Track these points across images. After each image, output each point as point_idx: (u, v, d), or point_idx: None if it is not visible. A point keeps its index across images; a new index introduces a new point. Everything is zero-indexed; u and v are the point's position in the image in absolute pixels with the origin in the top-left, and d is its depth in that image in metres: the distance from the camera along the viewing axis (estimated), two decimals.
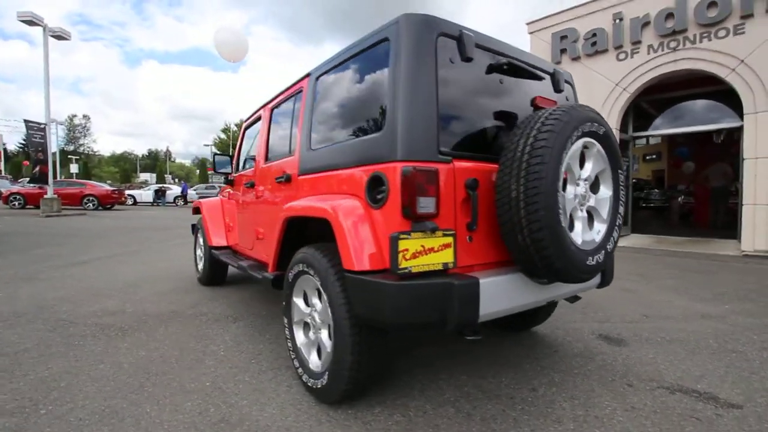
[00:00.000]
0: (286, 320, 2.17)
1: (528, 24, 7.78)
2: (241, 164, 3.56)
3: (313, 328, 1.99)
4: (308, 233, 2.17)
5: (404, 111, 1.53)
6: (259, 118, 3.11)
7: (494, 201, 1.65)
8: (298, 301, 2.09)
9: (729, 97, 6.45)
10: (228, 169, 3.49)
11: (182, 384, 2.09)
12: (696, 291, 4.06)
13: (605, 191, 1.82)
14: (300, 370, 2.01)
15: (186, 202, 24.34)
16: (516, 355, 2.46)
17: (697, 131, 7.36)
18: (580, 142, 1.61)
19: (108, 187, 18.67)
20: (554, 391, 2.02)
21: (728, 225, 8.13)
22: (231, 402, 1.91)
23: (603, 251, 1.73)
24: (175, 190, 25.70)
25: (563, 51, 7.19)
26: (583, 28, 6.95)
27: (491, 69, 1.82)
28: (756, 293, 3.95)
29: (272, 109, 2.83)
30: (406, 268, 1.42)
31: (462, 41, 1.67)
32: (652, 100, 7.53)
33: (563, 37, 7.14)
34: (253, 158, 3.34)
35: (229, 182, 3.57)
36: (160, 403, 1.90)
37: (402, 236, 1.42)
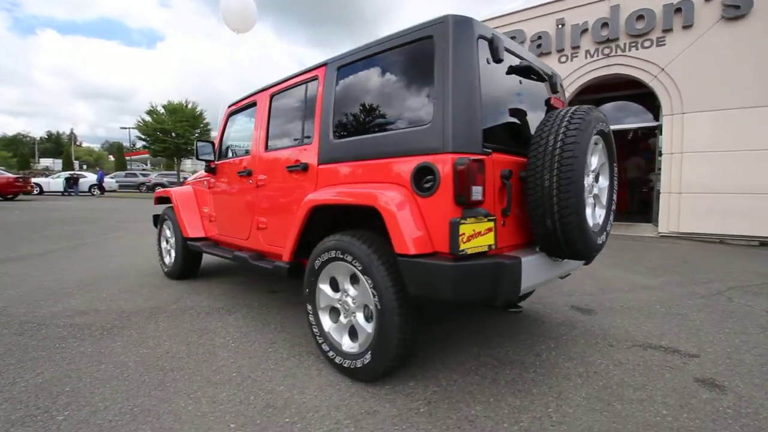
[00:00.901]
0: (310, 307, 2.20)
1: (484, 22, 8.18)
2: (223, 151, 3.40)
3: (344, 312, 2.05)
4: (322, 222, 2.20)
5: (455, 106, 1.65)
6: (252, 104, 3.00)
7: (521, 190, 1.86)
8: (325, 288, 2.14)
9: (648, 100, 7.47)
10: (210, 157, 3.31)
11: (206, 377, 2.03)
12: (632, 267, 4.74)
13: (604, 181, 2.11)
14: (331, 353, 2.07)
15: (103, 191, 21.91)
16: (509, 328, 2.74)
17: (621, 129, 8.40)
18: (593, 139, 1.87)
19: (10, 175, 16.15)
20: (554, 355, 2.32)
21: (643, 210, 9.43)
22: (268, 389, 1.92)
23: (605, 232, 2.02)
24: (90, 177, 22.96)
25: None
26: (530, 31, 7.53)
27: (513, 70, 2.00)
28: (679, 267, 4.73)
29: (272, 96, 2.75)
30: (463, 250, 1.57)
31: (494, 43, 1.82)
32: (586, 100, 8.42)
33: (512, 38, 7.64)
34: (245, 146, 3.23)
35: (210, 170, 3.39)
36: (193, 396, 1.85)
37: (462, 221, 1.56)
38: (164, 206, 4.39)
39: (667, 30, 6.31)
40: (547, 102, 2.06)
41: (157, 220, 4.38)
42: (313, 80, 2.39)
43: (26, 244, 6.05)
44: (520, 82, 2.05)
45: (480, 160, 1.64)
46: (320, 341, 2.14)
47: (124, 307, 3.10)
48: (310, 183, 2.30)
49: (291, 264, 2.38)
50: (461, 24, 1.73)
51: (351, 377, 2.00)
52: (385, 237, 1.81)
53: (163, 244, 4.20)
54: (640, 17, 6.37)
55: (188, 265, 3.90)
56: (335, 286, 2.12)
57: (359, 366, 1.91)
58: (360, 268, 1.86)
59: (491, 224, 1.68)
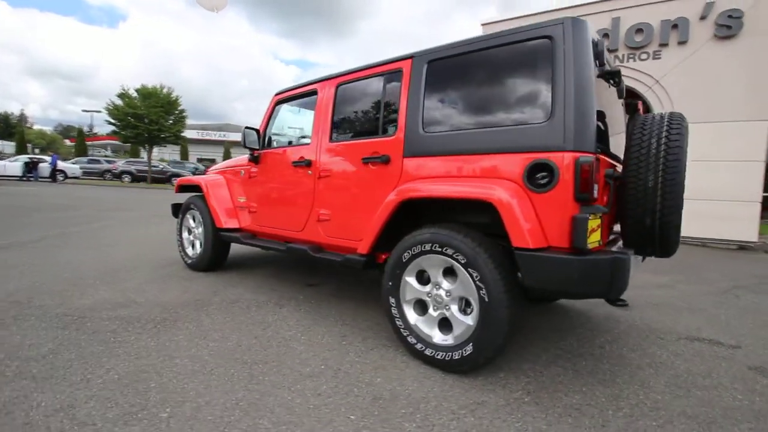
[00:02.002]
0: (393, 300, 2.19)
1: (483, 25, 8.37)
2: (268, 140, 3.29)
3: (434, 305, 2.07)
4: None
5: (576, 105, 1.71)
6: (310, 93, 2.93)
7: (616, 189, 1.95)
8: (411, 280, 2.14)
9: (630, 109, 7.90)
10: (256, 145, 3.19)
11: (296, 370, 1.99)
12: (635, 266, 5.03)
13: None
14: (419, 345, 2.08)
15: (66, 176, 20.46)
16: (561, 324, 2.85)
17: None
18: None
19: None
20: (617, 347, 2.45)
21: None
22: (366, 381, 1.91)
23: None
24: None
25: None
26: None
27: (606, 74, 2.08)
28: (678, 267, 5.07)
29: (338, 86, 2.70)
30: (587, 245, 1.63)
31: (598, 47, 1.89)
32: None
33: None
34: (300, 135, 3.16)
35: (254, 159, 3.28)
36: (294, 389, 1.81)
37: (590, 217, 1.62)
38: (185, 195, 4.21)
39: (664, 44, 6.72)
40: (635, 107, 2.16)
41: (178, 210, 4.19)
42: (395, 72, 2.37)
43: (14, 231, 5.59)
44: (609, 86, 2.14)
45: (598, 158, 1.71)
46: (405, 334, 2.15)
47: (164, 300, 2.95)
48: (392, 175, 2.29)
49: (367, 257, 2.36)
50: (580, 26, 1.79)
51: (443, 369, 2.02)
52: (478, 230, 1.85)
53: (185, 235, 4.02)
54: (639, 30, 6.75)
55: (218, 256, 3.76)
56: (422, 279, 2.14)
57: (456, 358, 1.93)
58: (464, 261, 1.88)
59: (599, 221, 1.75)
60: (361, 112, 2.61)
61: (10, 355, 2.03)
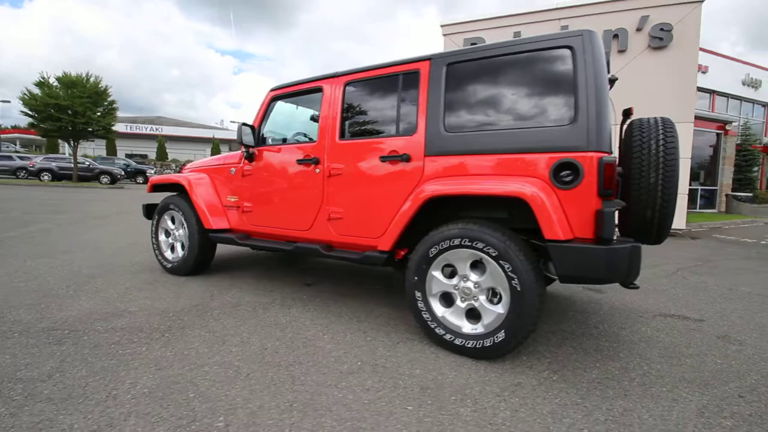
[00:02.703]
0: (419, 294, 2.27)
1: (442, 26, 8.62)
2: (262, 137, 3.18)
3: (462, 297, 2.17)
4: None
5: (598, 109, 1.89)
6: (313, 90, 2.88)
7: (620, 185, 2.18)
8: (437, 274, 2.23)
9: None
10: (252, 142, 3.06)
11: (334, 368, 1.99)
12: None
13: None
14: (448, 336, 2.17)
15: None
16: (554, 307, 3.10)
17: None
18: None
19: None
20: (607, 326, 2.72)
21: None
22: (406, 373, 1.96)
23: None
24: None
25: None
26: (490, 39, 8.14)
27: (609, 80, 2.31)
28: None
29: (347, 84, 2.69)
30: (613, 236, 1.82)
31: (607, 57, 2.10)
32: None
33: (473, 44, 8.22)
34: (302, 133, 3.10)
35: (249, 156, 3.14)
36: (342, 387, 1.82)
37: (615, 211, 1.81)
38: (159, 195, 3.93)
39: (607, 52, 7.39)
40: (629, 111, 2.41)
41: (151, 211, 3.89)
42: (412, 73, 2.42)
43: None
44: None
45: (615, 157, 1.91)
46: (432, 326, 2.23)
47: (159, 307, 2.76)
48: (413, 174, 2.35)
49: (389, 253, 2.41)
50: (596, 38, 1.98)
51: (473, 356, 2.13)
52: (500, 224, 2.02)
53: (162, 237, 3.76)
54: None
55: (204, 259, 3.57)
56: (448, 272, 2.23)
57: (488, 345, 2.06)
58: (495, 254, 2.00)
59: (614, 214, 1.96)
60: (374, 111, 2.63)
61: (8, 377, 1.81)
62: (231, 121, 38.97)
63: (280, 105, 3.18)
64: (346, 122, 2.70)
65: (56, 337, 2.23)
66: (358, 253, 2.58)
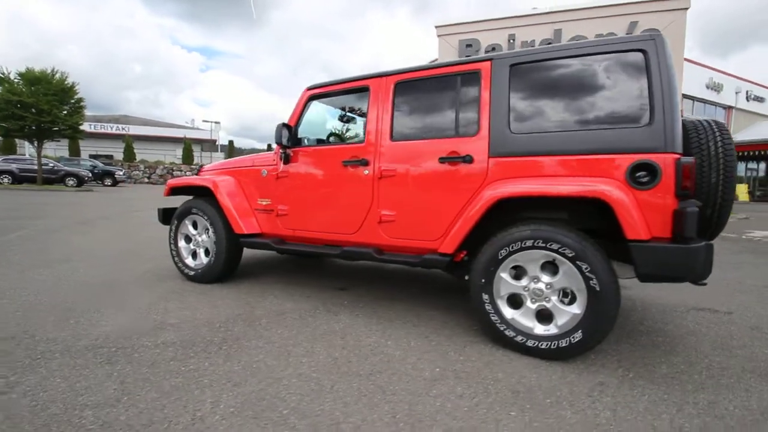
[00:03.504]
0: (486, 296, 2.25)
1: (437, 27, 8.68)
2: (297, 138, 3.07)
3: (532, 298, 2.18)
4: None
5: (673, 111, 1.93)
6: (359, 90, 2.80)
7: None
8: (505, 276, 2.22)
9: None
10: (288, 142, 2.94)
11: (417, 376, 1.94)
12: None
13: None
14: (519, 338, 2.17)
15: None
16: None
17: None
18: None
19: None
20: (652, 323, 2.80)
21: None
22: (490, 377, 1.94)
23: None
24: None
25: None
26: (485, 41, 8.29)
27: None
28: None
29: (397, 83, 2.64)
30: (695, 235, 1.87)
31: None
32: None
33: (468, 45, 8.34)
34: (346, 133, 3.02)
35: (285, 157, 3.02)
36: (435, 395, 1.77)
37: (697, 210, 1.86)
38: (176, 198, 3.73)
39: None
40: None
41: (169, 216, 3.69)
42: (472, 73, 2.40)
43: None
44: None
45: (693, 159, 1.96)
46: (502, 328, 2.22)
47: (199, 318, 2.61)
48: (476, 175, 2.33)
49: (451, 256, 2.38)
50: (664, 42, 2.02)
51: (546, 357, 2.13)
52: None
53: (182, 243, 3.57)
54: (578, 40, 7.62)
55: (232, 265, 3.42)
56: (515, 274, 2.23)
57: (564, 345, 2.06)
58: (571, 255, 2.01)
59: None
60: (428, 112, 2.59)
61: (71, 403, 1.65)
62: (203, 120, 37.70)
63: (320, 104, 3.09)
64: (398, 123, 2.64)
65: (104, 355, 2.06)
66: (416, 256, 2.54)
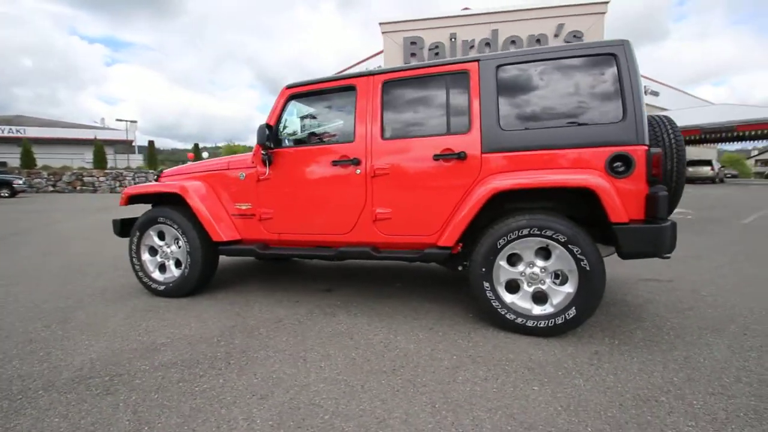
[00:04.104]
0: (487, 284, 2.39)
1: (381, 24, 8.77)
2: (279, 137, 2.96)
3: (528, 282, 2.36)
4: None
5: (641, 108, 2.20)
6: (344, 89, 2.77)
7: None
8: (503, 264, 2.38)
9: None
10: (270, 143, 2.81)
11: (437, 366, 2.02)
12: None
13: None
14: (520, 320, 2.34)
15: None
16: None
17: None
18: None
19: None
20: (613, 294, 3.17)
21: None
22: (504, 358, 2.08)
23: None
24: None
25: (413, 55, 8.62)
26: (428, 39, 8.56)
27: None
28: None
29: (385, 83, 2.66)
30: (666, 216, 2.16)
31: None
32: None
33: (413, 43, 8.55)
34: (329, 132, 2.97)
35: (266, 159, 2.89)
36: (462, 381, 1.86)
37: (667, 194, 2.15)
38: (134, 207, 3.41)
39: None
40: None
41: (127, 227, 3.36)
42: (460, 74, 2.51)
43: None
44: None
45: (660, 150, 2.25)
46: (503, 313, 2.38)
47: (189, 334, 2.44)
48: (470, 170, 2.45)
49: (450, 249, 2.48)
50: (631, 47, 2.29)
51: (544, 335, 2.32)
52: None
53: (146, 256, 3.27)
54: (513, 42, 8.25)
55: (208, 275, 3.22)
56: (512, 261, 2.40)
57: (560, 322, 2.28)
58: (563, 240, 2.22)
59: None
60: (418, 110, 2.65)
61: None
62: (117, 119, 34.05)
63: (300, 104, 3.00)
64: (388, 122, 2.67)
65: (100, 386, 1.85)
66: (416, 251, 2.61)
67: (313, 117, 3.16)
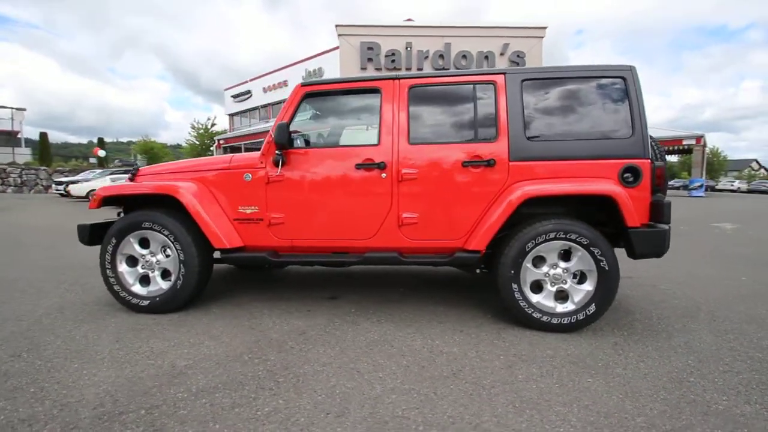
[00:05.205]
0: (515, 286, 2.51)
1: (338, 26, 8.68)
2: (289, 138, 2.78)
3: (551, 282, 2.54)
4: None
5: (646, 126, 2.51)
6: (367, 90, 2.69)
7: None
8: (530, 266, 2.53)
9: None
10: (287, 143, 2.61)
11: (490, 367, 2.07)
12: None
13: None
14: (545, 318, 2.50)
15: None
16: None
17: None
18: None
19: None
20: None
21: None
22: (546, 355, 2.20)
23: None
24: None
25: (370, 60, 8.67)
26: (385, 46, 8.67)
27: None
28: None
29: (411, 87, 2.65)
30: (669, 221, 2.48)
31: None
32: None
33: (369, 48, 8.60)
34: (351, 135, 2.87)
35: (278, 159, 2.69)
36: (523, 379, 1.94)
37: (670, 202, 2.46)
38: (103, 210, 2.97)
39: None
40: None
41: (99, 233, 2.89)
42: (487, 84, 2.61)
43: None
44: None
45: (664, 163, 2.58)
46: (530, 312, 2.52)
47: (212, 353, 2.19)
48: (498, 177, 2.56)
49: (479, 253, 2.56)
50: (636, 71, 2.59)
51: (566, 331, 2.51)
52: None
53: (124, 267, 2.84)
54: (464, 56, 8.74)
55: (202, 288, 2.90)
56: (535, 264, 2.56)
57: (582, 318, 2.48)
58: (586, 243, 2.44)
59: None
60: (446, 117, 2.69)
61: None
62: (0, 107, 28.74)
63: (315, 103, 2.86)
64: (415, 126, 2.67)
65: (141, 422, 1.58)
66: (443, 256, 2.64)
67: (326, 117, 3.04)
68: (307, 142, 2.99)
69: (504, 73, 2.64)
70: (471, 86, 2.66)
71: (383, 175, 2.66)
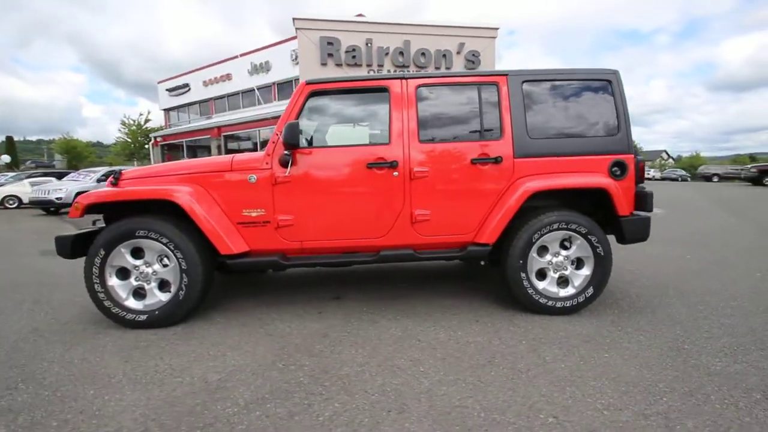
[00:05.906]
0: (523, 275, 2.68)
1: (296, 20, 8.40)
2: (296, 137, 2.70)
3: (554, 269, 2.74)
4: None
5: (628, 124, 2.79)
6: (375, 90, 2.68)
7: None
8: (535, 255, 2.72)
9: None
10: (296, 143, 2.52)
11: (520, 354, 2.21)
12: None
13: None
14: (550, 303, 2.71)
15: None
16: None
17: None
18: None
19: None
20: None
21: None
22: (558, 336, 2.39)
23: None
24: None
25: (330, 55, 8.53)
26: (345, 42, 8.56)
27: None
28: None
29: (418, 87, 2.70)
30: (652, 209, 2.79)
31: None
32: None
33: (330, 44, 8.45)
34: (357, 133, 2.85)
35: (285, 160, 2.59)
36: (551, 360, 2.10)
37: (652, 192, 2.76)
38: (91, 218, 2.71)
39: (438, 67, 9.17)
40: None
41: (82, 244, 2.62)
42: (490, 85, 2.73)
43: None
44: None
45: (643, 158, 2.88)
46: (536, 298, 2.71)
47: (241, 364, 2.11)
48: (504, 173, 2.70)
49: (489, 245, 2.70)
50: (620, 75, 2.86)
51: (566, 313, 2.73)
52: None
53: (115, 281, 2.60)
54: (423, 54, 8.90)
55: (204, 297, 2.73)
56: (540, 253, 2.75)
57: (582, 300, 2.72)
58: (584, 232, 2.67)
59: None
60: (452, 116, 2.77)
61: None
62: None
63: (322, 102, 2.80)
64: (424, 125, 2.73)
65: None
66: (455, 250, 2.74)
67: (330, 115, 2.99)
68: (309, 142, 2.92)
69: (506, 75, 2.78)
70: (475, 87, 2.77)
71: (395, 173, 2.69)
